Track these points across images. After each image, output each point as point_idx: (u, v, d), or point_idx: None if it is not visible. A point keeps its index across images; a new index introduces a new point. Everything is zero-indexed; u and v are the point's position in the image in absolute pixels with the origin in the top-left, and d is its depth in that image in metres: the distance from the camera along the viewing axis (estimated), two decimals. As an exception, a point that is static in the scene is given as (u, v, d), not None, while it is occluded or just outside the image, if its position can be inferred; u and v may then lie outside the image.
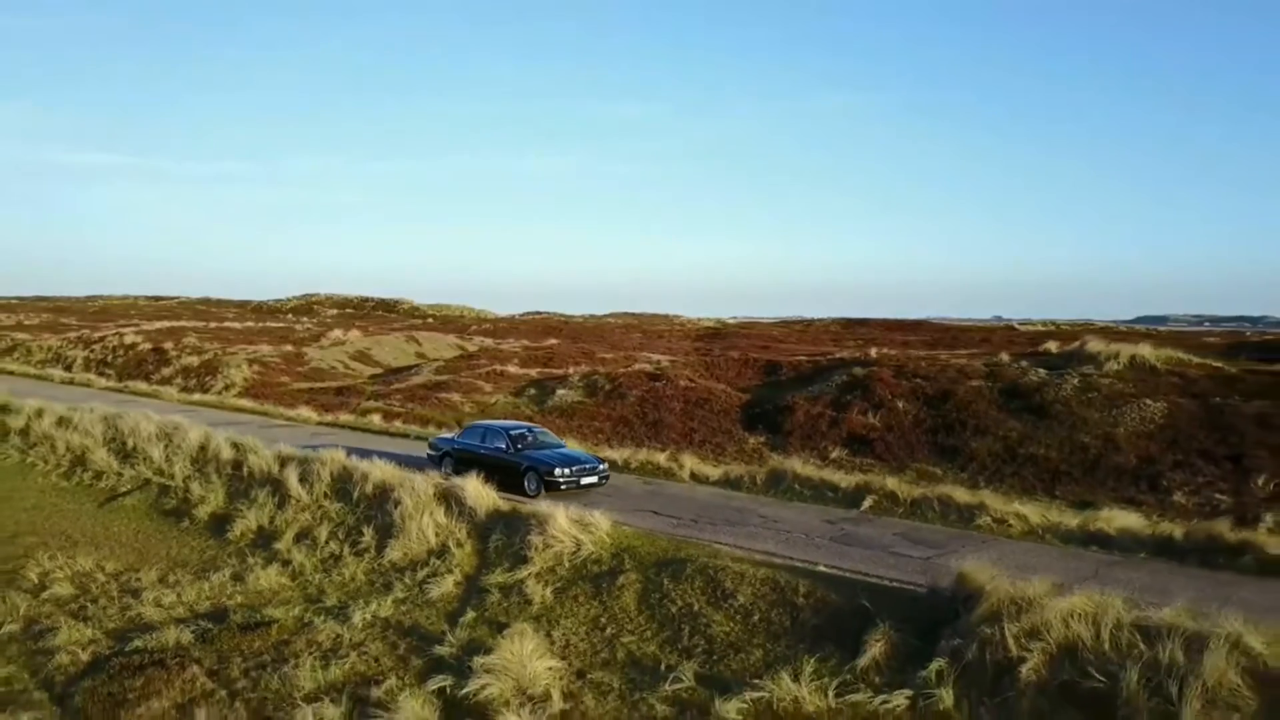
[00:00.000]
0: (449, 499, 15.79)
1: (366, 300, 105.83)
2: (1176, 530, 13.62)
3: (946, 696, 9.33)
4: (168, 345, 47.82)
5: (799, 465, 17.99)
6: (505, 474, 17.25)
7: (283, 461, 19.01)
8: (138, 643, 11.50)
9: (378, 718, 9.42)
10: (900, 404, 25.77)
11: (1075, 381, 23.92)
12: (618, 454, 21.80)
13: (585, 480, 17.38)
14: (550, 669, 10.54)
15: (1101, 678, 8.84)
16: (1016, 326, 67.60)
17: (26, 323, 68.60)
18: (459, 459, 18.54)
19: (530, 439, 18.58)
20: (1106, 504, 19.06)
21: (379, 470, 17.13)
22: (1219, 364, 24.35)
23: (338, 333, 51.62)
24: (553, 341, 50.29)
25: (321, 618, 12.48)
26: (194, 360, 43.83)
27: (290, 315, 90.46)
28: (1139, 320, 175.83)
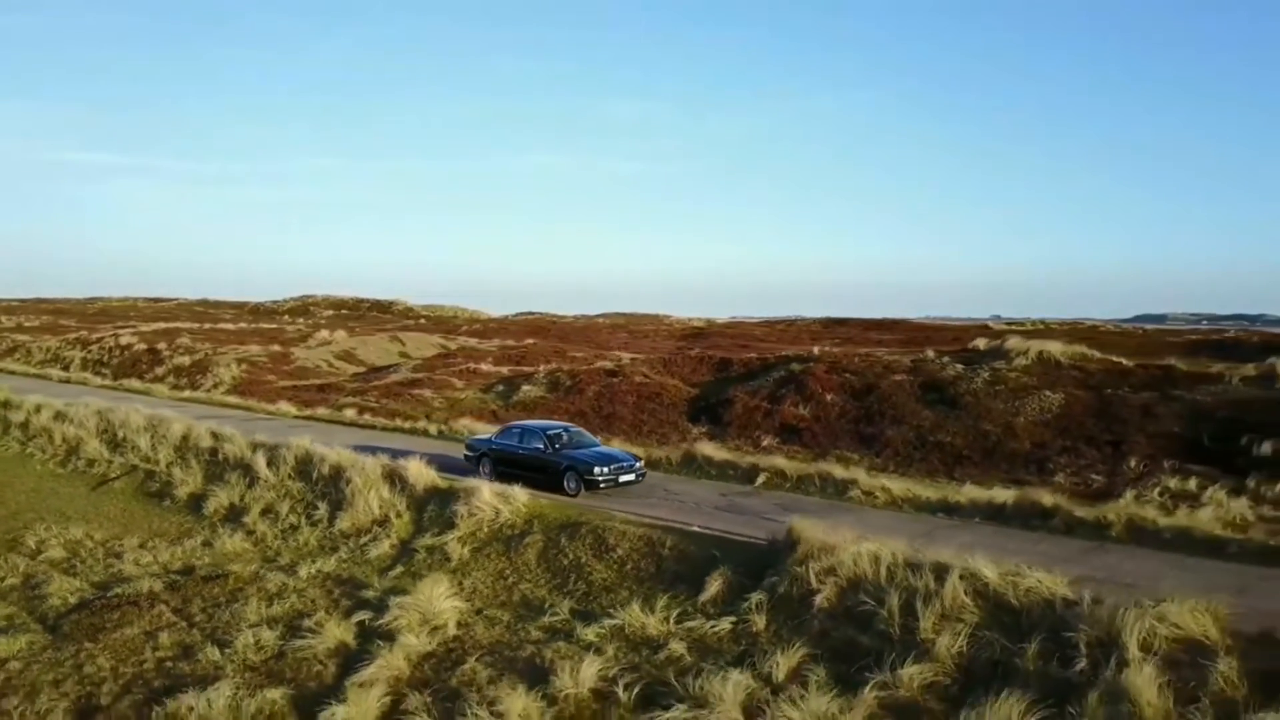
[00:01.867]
0: (393, 477, 18.25)
1: (362, 302, 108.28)
2: (1009, 499, 16.01)
3: (759, 620, 11.77)
4: (161, 346, 50.36)
5: (709, 448, 20.40)
6: (544, 474, 17.78)
7: (254, 448, 21.47)
8: (117, 590, 14.00)
9: (305, 638, 11.88)
10: (829, 397, 28.19)
11: (986, 375, 26.32)
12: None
13: (624, 478, 17.63)
14: (454, 607, 13.00)
15: (873, 602, 11.27)
16: (991, 325, 69.80)
17: (27, 325, 71.20)
18: (497, 460, 18.88)
19: (567, 438, 18.84)
20: (996, 484, 21.53)
21: (335, 454, 19.59)
22: (1119, 359, 26.69)
23: (324, 333, 54.14)
24: (530, 341, 52.75)
25: (274, 572, 14.97)
26: (186, 360, 46.38)
27: (286, 317, 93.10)
28: (1137, 319, 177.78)
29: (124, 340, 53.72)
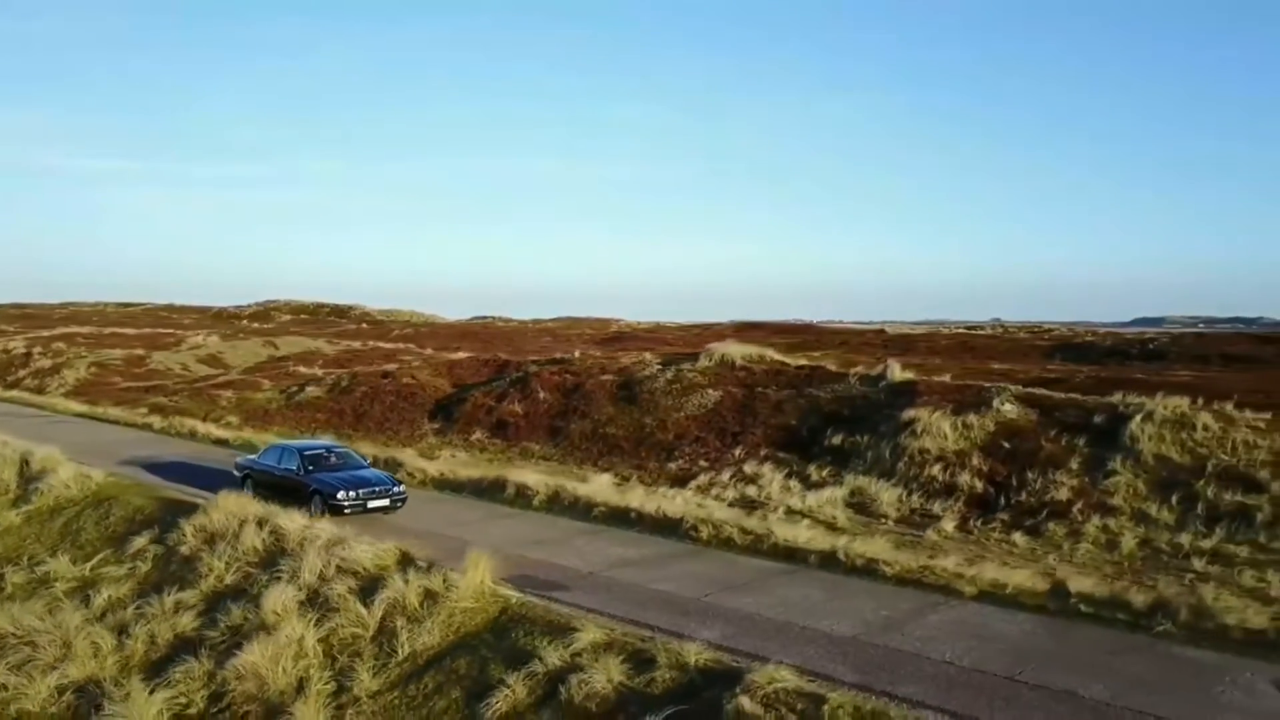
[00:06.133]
0: (24, 461, 21.70)
1: (322, 306, 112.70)
2: (490, 477, 19.23)
3: (145, 566, 15.13)
4: (36, 350, 54.41)
5: (330, 438, 23.69)
6: (295, 496, 17.22)
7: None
8: None
9: None
10: (543, 395, 31.41)
11: (669, 375, 29.42)
12: (279, 439, 27.59)
13: (373, 504, 17.00)
14: (-51, 560, 16.41)
15: (207, 549, 14.56)
16: (887, 330, 72.72)
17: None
18: (258, 481, 18.65)
19: (329, 459, 18.41)
20: (616, 469, 24.86)
21: (-5, 442, 23.10)
22: (785, 360, 29.65)
23: (198, 338, 58.06)
24: (393, 346, 56.26)
25: None
26: (47, 363, 50.38)
27: (246, 321, 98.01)
28: (1136, 322, 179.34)
29: (10, 345, 57.89)
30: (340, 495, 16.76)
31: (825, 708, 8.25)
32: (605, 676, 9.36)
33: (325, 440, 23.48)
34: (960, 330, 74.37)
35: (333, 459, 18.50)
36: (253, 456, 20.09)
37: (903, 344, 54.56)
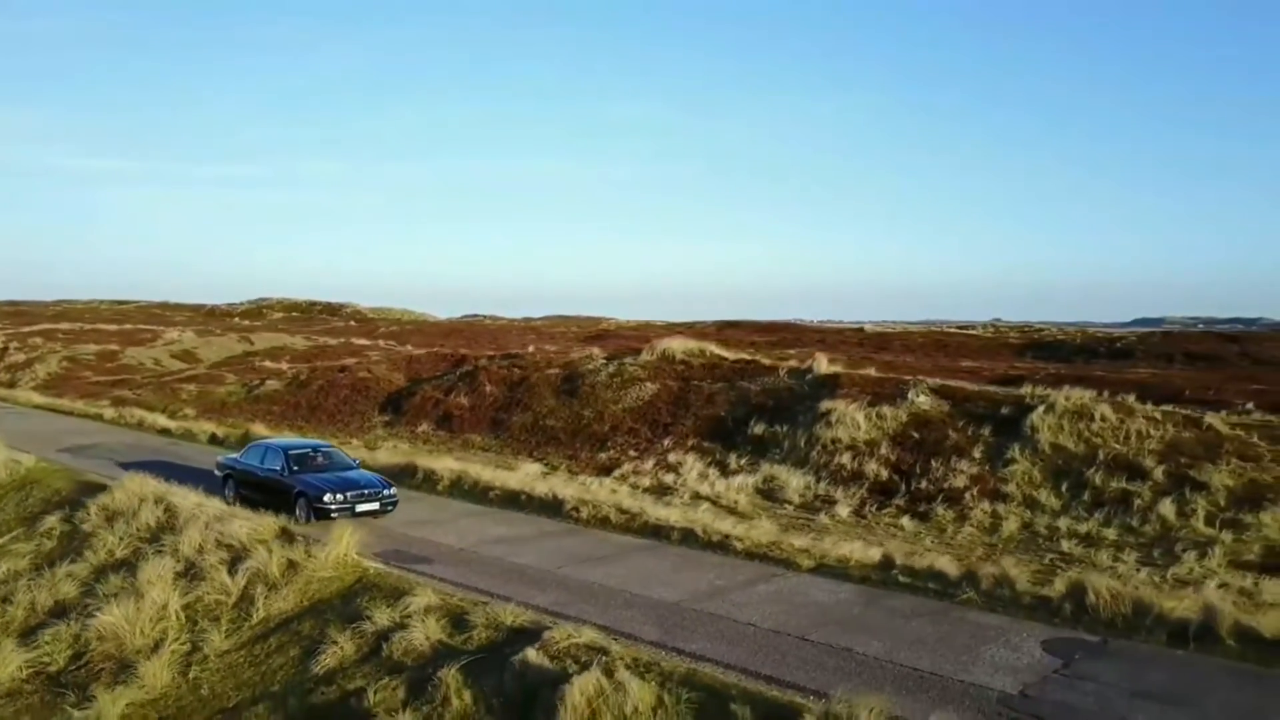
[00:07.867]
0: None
1: (314, 304, 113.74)
2: (401, 464, 19.99)
3: (49, 542, 15.91)
4: (13, 345, 55.34)
5: (261, 427, 24.49)
6: (280, 498, 16.45)
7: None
8: None
9: None
10: (489, 388, 32.19)
11: (611, 369, 30.17)
12: (219, 428, 28.42)
13: (362, 507, 16.10)
14: None
15: (106, 525, 15.34)
16: (866, 329, 73.52)
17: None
18: (240, 481, 17.87)
19: (316, 459, 17.53)
20: (549, 459, 25.65)
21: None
22: (723, 354, 30.36)
23: (174, 334, 58.93)
24: (370, 343, 57.11)
25: None
26: (21, 357, 51.30)
27: (238, 319, 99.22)
28: (1136, 323, 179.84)
29: (-11, 340, 58.86)
30: (327, 498, 15.94)
31: (605, 658, 8.98)
32: (424, 634, 10.11)
33: (259, 434, 24.32)
34: (953, 330, 75.15)
35: (319, 459, 17.59)
36: (235, 455, 19.14)
37: (879, 342, 55.25)
